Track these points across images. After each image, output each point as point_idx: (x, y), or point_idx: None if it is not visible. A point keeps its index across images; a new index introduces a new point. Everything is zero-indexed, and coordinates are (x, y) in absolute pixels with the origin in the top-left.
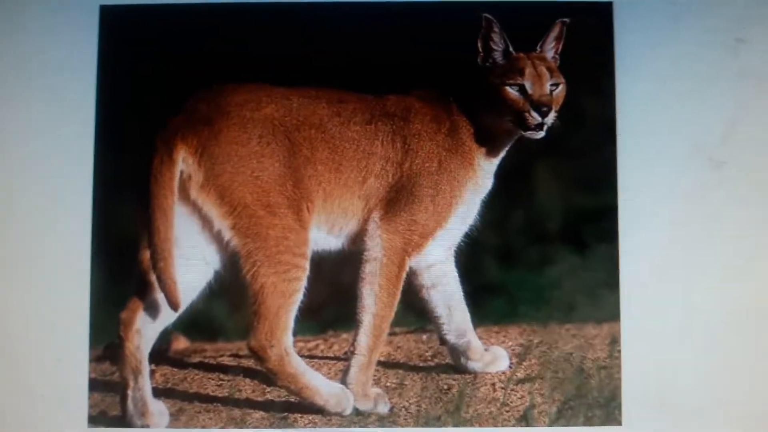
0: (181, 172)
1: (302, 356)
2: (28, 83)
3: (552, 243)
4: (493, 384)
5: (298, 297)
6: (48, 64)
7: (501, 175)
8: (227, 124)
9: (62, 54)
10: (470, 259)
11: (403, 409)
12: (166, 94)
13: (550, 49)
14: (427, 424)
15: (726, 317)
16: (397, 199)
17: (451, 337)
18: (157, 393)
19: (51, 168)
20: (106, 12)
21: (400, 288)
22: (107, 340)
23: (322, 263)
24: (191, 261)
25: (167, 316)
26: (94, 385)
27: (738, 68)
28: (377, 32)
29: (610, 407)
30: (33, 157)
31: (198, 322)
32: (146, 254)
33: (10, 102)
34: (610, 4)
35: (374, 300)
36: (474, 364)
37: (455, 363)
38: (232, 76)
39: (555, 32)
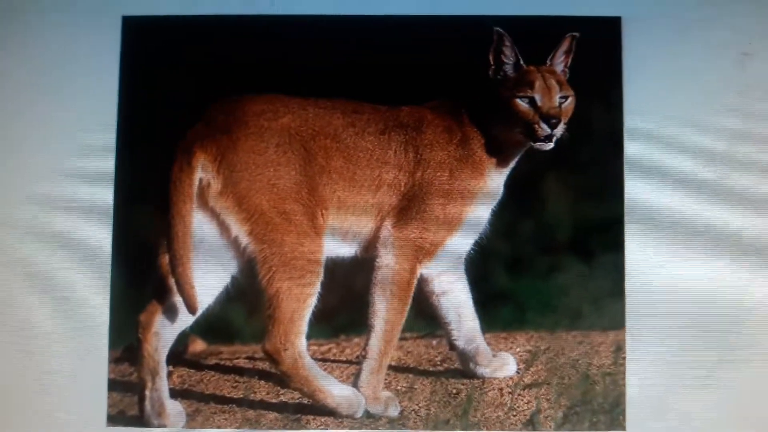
0: (200, 180)
1: (315, 359)
2: (50, 91)
3: (559, 252)
4: (501, 389)
5: (312, 302)
6: (71, 74)
7: (511, 185)
8: (245, 133)
9: (85, 63)
10: (480, 267)
11: (412, 413)
12: (187, 103)
13: (559, 62)
14: (435, 427)
15: (729, 327)
16: (409, 208)
17: (460, 343)
18: (174, 394)
19: (73, 174)
20: (128, 23)
21: (411, 294)
22: (126, 342)
23: (335, 269)
24: (209, 266)
25: (185, 319)
26: (113, 385)
27: (744, 82)
28: (392, 45)
29: (614, 413)
30: (56, 163)
31: (215, 326)
32: (165, 259)
33: (33, 110)
34: (619, 18)
35: (386, 306)
36: (482, 369)
37: (464, 368)
38: (251, 86)
39: (565, 46)
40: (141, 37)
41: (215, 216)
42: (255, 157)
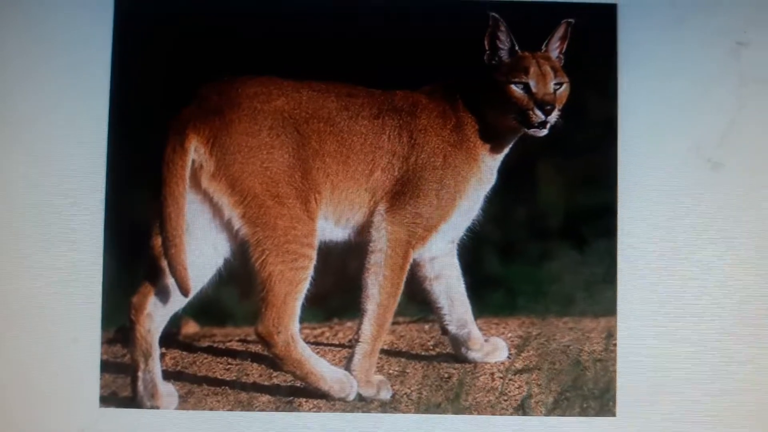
0: (193, 161)
1: (308, 343)
2: (42, 70)
3: (552, 238)
4: (492, 374)
5: (305, 285)
6: (62, 52)
7: (504, 171)
8: (238, 115)
9: (76, 41)
10: (472, 252)
11: (404, 396)
12: (180, 83)
13: (554, 48)
14: (427, 411)
15: (720, 314)
16: (402, 193)
17: (452, 328)
18: (167, 375)
19: (65, 155)
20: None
21: (404, 279)
22: (119, 324)
23: (328, 253)
24: (202, 248)
25: (178, 301)
26: (106, 366)
27: (739, 71)
28: (387, 29)
29: (604, 399)
30: (48, 143)
31: (207, 308)
32: (158, 241)
33: (23, 90)
34: (615, 6)
35: (378, 290)
36: (474, 354)
37: (456, 352)
38: (246, 65)
39: (560, 32)
40: (134, 13)
41: (208, 198)
42: (248, 140)
